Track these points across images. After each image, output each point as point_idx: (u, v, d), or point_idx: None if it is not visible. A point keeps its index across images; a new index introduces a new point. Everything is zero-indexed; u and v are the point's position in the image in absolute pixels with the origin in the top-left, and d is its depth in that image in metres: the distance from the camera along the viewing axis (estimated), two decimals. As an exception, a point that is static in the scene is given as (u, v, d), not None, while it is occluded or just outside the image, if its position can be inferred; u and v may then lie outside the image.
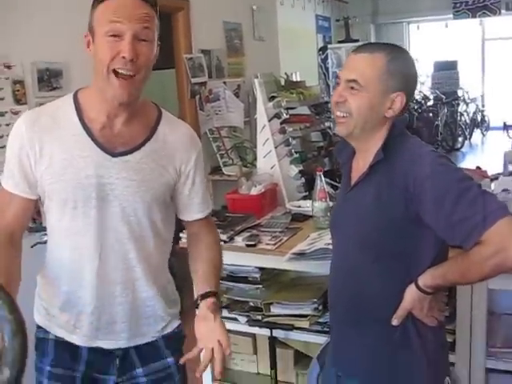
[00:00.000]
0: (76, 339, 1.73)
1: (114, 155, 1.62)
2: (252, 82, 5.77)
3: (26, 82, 3.39)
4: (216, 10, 5.32)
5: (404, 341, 1.72)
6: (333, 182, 3.49)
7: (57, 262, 1.72)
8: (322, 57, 9.98)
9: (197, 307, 1.72)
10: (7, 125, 3.23)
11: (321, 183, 2.99)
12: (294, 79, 6.88)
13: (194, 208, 1.84)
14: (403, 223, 1.65)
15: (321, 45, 10.27)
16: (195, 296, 1.75)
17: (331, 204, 3.07)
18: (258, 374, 3.25)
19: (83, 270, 1.68)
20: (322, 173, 3.02)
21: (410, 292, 1.68)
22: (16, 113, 3.28)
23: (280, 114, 3.46)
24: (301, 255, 2.61)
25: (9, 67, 3.26)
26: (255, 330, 2.99)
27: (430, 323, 1.72)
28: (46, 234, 1.79)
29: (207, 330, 1.63)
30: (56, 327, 1.75)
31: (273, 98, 5.69)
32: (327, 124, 6.31)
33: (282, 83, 6.15)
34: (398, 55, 1.71)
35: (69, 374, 1.74)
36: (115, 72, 1.51)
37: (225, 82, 5.36)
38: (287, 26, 7.75)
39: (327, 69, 9.74)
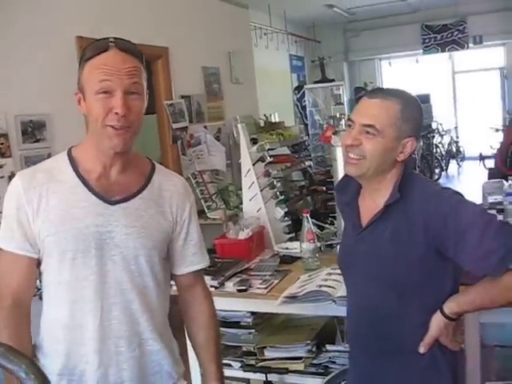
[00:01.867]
0: None
1: (111, 203, 1.62)
2: (232, 125, 5.85)
3: (10, 135, 3.39)
4: (194, 55, 5.41)
5: (432, 365, 1.78)
6: (319, 223, 3.51)
7: (55, 320, 1.65)
8: (298, 96, 10.16)
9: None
10: (-8, 179, 3.23)
11: (308, 225, 3.02)
12: (273, 120, 6.97)
13: (188, 260, 1.82)
14: (424, 260, 1.72)
15: (296, 84, 10.44)
16: (203, 372, 1.87)
17: (319, 244, 3.10)
18: (254, 421, 3.22)
19: (84, 325, 1.62)
20: (308, 214, 3.05)
21: (437, 320, 1.74)
22: (1, 166, 3.28)
23: (264, 157, 3.50)
24: (293, 298, 2.61)
25: (-7, 121, 3.28)
26: (249, 374, 2.97)
27: (454, 348, 1.79)
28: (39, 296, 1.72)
29: None
30: None
31: (253, 140, 5.78)
32: (308, 163, 6.37)
33: (262, 125, 6.22)
34: (409, 102, 1.78)
35: None
36: (110, 126, 1.55)
37: (205, 126, 5.42)
38: (262, 67, 7.88)
39: (303, 107, 9.90)
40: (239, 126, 3.50)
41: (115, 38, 1.58)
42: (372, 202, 1.83)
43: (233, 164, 5.70)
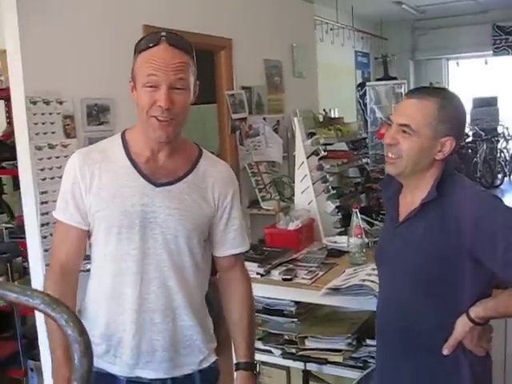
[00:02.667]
0: (117, 370, 1.76)
1: (157, 185, 1.73)
2: (291, 119, 5.90)
3: (76, 116, 3.55)
4: (257, 48, 5.47)
5: (454, 369, 1.78)
6: (368, 219, 3.54)
7: (98, 289, 1.79)
8: (361, 93, 10.10)
9: (237, 368, 1.92)
10: (57, 157, 3.38)
11: (357, 220, 3.06)
12: (333, 115, 6.98)
13: (229, 243, 1.90)
14: (454, 258, 1.73)
15: (360, 81, 10.39)
16: (234, 350, 1.97)
17: (367, 240, 3.14)
18: (292, 407, 3.29)
19: (124, 295, 1.73)
20: (358, 210, 3.09)
21: (462, 323, 1.75)
22: (65, 146, 3.44)
23: (318, 151, 3.55)
24: (336, 290, 2.67)
25: (60, 103, 3.43)
26: (289, 362, 3.03)
27: (479, 353, 1.79)
28: (89, 263, 1.85)
29: None
30: (96, 358, 1.62)
31: (311, 134, 5.81)
32: (365, 160, 6.36)
33: (321, 119, 6.24)
34: (447, 102, 1.80)
35: None
36: (154, 117, 1.64)
37: (264, 118, 5.48)
38: (326, 62, 7.88)
39: (365, 105, 9.83)
40: (295, 119, 3.56)
41: (167, 33, 1.66)
42: (411, 199, 1.86)
43: (289, 157, 5.75)
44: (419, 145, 1.76)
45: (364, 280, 2.65)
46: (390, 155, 1.81)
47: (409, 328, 1.84)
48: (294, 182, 5.31)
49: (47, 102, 3.35)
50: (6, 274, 3.88)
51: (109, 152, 1.76)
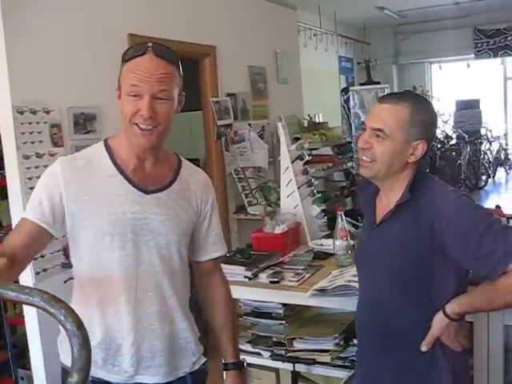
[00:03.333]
0: (115, 378, 1.77)
1: (146, 192, 1.77)
2: (276, 124, 5.95)
3: (63, 125, 3.57)
4: (241, 54, 5.53)
5: (433, 365, 1.84)
6: (354, 221, 3.59)
7: (90, 299, 1.76)
8: (345, 97, 10.19)
9: (226, 369, 2.01)
10: (45, 166, 3.35)
11: (342, 222, 3.11)
12: (317, 120, 7.04)
13: (210, 248, 1.99)
14: (428, 258, 1.79)
15: (344, 85, 10.48)
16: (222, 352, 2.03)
17: (352, 242, 3.19)
18: (281, 408, 3.33)
19: (120, 303, 1.74)
20: (342, 212, 3.14)
21: (439, 319, 1.80)
22: (53, 155, 3.46)
23: (303, 155, 3.61)
24: (322, 292, 2.72)
25: (47, 112, 3.46)
26: (278, 364, 3.08)
27: (456, 349, 1.84)
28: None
29: None
30: (94, 368, 1.72)
31: (296, 139, 5.86)
32: (350, 164, 6.43)
33: (305, 125, 6.31)
34: (419, 106, 1.85)
35: None
36: (137, 124, 1.68)
37: (250, 124, 5.53)
38: (310, 67, 7.95)
39: (349, 109, 9.93)
40: (279, 124, 3.62)
41: (154, 44, 1.70)
42: (386, 202, 1.92)
43: (275, 162, 5.79)
44: (392, 148, 1.81)
45: (349, 281, 2.70)
46: (364, 158, 1.86)
47: (387, 326, 1.90)
48: (279, 187, 5.39)
49: (34, 112, 3.38)
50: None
51: (93, 160, 1.77)
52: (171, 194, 1.82)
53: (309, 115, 6.51)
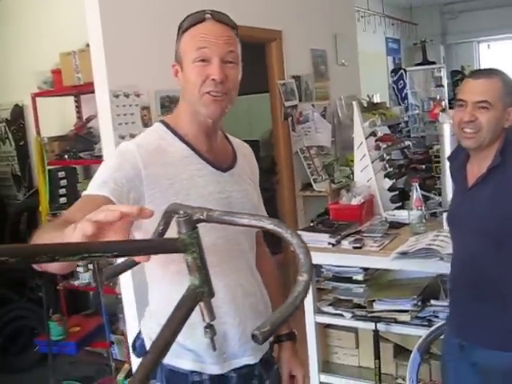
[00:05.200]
0: (227, 365, 1.69)
1: (223, 170, 1.71)
2: (337, 105, 6.18)
3: (151, 108, 3.88)
4: (304, 38, 5.74)
5: None
6: (424, 193, 3.79)
7: (181, 290, 1.61)
8: (395, 78, 10.30)
9: (280, 340, 1.95)
10: (138, 145, 3.72)
11: (416, 193, 3.32)
12: (375, 101, 7.22)
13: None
14: None
15: (391, 66, 10.56)
16: None
17: (425, 212, 3.41)
18: (360, 367, 3.57)
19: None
20: (417, 184, 3.36)
21: None
22: (144, 135, 3.77)
23: (375, 132, 3.82)
24: (404, 254, 2.95)
25: (138, 95, 3.76)
26: (359, 324, 3.32)
27: None
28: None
29: (294, 366, 1.94)
30: (209, 365, 1.67)
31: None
32: (407, 143, 6.58)
33: (365, 105, 6.49)
34: (505, 77, 2.11)
35: None
36: (207, 93, 1.58)
37: (313, 105, 5.76)
38: (359, 49, 8.10)
39: (400, 90, 10.05)
40: (354, 103, 3.83)
41: (212, 11, 1.62)
42: (477, 168, 2.15)
43: (336, 141, 6.03)
44: (495, 116, 2.06)
45: (430, 244, 2.93)
46: (467, 131, 2.09)
47: (480, 278, 2.13)
48: (343, 166, 5.63)
49: (127, 95, 3.68)
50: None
51: (162, 144, 1.64)
52: (240, 169, 1.78)
53: (368, 95, 6.69)
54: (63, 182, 4.57)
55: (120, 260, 1.14)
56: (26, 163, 5.50)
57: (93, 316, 4.58)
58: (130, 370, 4.04)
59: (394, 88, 10.30)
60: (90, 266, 4.43)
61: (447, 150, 3.49)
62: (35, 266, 1.05)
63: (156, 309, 1.71)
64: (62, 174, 4.56)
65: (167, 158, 1.61)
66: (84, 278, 4.47)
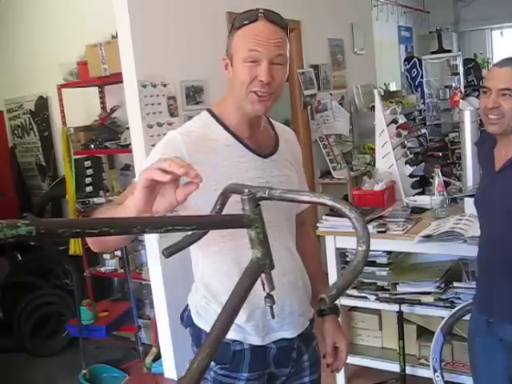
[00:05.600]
0: (267, 338, 1.79)
1: (264, 157, 1.79)
2: (354, 93, 6.26)
3: (177, 97, 3.97)
4: (322, 28, 5.81)
5: None
6: (445, 179, 3.87)
7: (225, 270, 1.75)
8: (408, 67, 10.31)
9: (323, 314, 2.00)
10: (164, 134, 3.80)
11: (439, 178, 3.41)
12: (391, 89, 7.30)
13: None
14: None
15: (403, 55, 10.57)
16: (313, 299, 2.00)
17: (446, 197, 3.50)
18: (383, 348, 3.68)
19: None
20: (439, 169, 3.45)
21: None
22: (170, 124, 3.87)
23: (396, 119, 3.90)
24: (428, 237, 3.04)
25: (164, 85, 3.85)
26: (383, 306, 3.42)
27: None
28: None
29: (337, 338, 1.99)
30: (250, 336, 1.77)
31: (373, 107, 6.15)
32: (423, 131, 6.67)
33: (382, 93, 6.57)
34: None
35: (261, 381, 1.82)
36: (254, 92, 1.66)
37: (331, 94, 5.84)
38: (374, 38, 8.14)
39: (413, 78, 10.06)
40: (375, 91, 3.91)
41: (264, 10, 1.66)
42: (505, 152, 2.23)
43: (353, 129, 6.11)
44: None
45: (453, 227, 3.01)
46: (492, 117, 2.17)
47: (507, 257, 2.22)
48: (360, 154, 5.71)
49: (154, 85, 3.77)
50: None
51: (207, 132, 1.74)
52: (281, 155, 1.84)
53: (385, 84, 6.76)
54: (89, 171, 4.68)
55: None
56: (50, 153, 5.62)
57: (119, 301, 4.70)
58: (158, 353, 4.16)
59: (407, 76, 10.31)
60: (117, 253, 4.54)
61: (468, 137, 3.58)
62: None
63: (201, 284, 1.82)
64: (87, 163, 4.67)
65: (211, 146, 1.69)
66: (111, 264, 4.59)
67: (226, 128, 1.75)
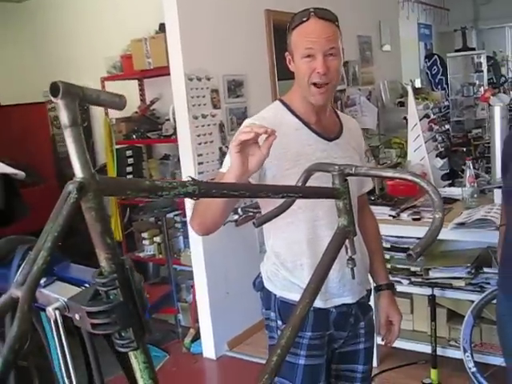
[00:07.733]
0: (329, 302, 1.95)
1: (329, 140, 1.98)
2: (381, 89, 6.44)
3: (220, 90, 4.17)
4: (352, 25, 5.98)
5: None
6: (476, 171, 4.04)
7: (295, 240, 1.94)
8: (428, 64, 10.46)
9: (380, 289, 2.19)
10: (208, 125, 4.04)
11: (470, 170, 3.60)
12: (416, 86, 7.46)
13: (365, 182, 2.18)
14: None
15: (423, 52, 10.69)
16: (373, 276, 2.21)
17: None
18: (414, 331, 3.87)
19: (322, 238, 1.89)
20: (471, 162, 3.63)
21: None
22: (214, 115, 4.08)
23: (429, 114, 4.09)
24: (462, 225, 3.23)
25: (208, 79, 4.06)
26: (416, 289, 3.61)
27: None
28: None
29: (391, 312, 2.17)
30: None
31: (400, 103, 6.34)
32: (447, 126, 6.82)
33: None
34: None
35: (322, 341, 1.97)
36: (314, 83, 1.86)
37: (359, 89, 6.02)
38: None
39: (433, 75, 10.20)
40: (408, 87, 4.10)
41: (314, 8, 1.86)
42: None
43: (380, 124, 6.29)
44: None
45: (485, 215, 3.20)
46: None
47: None
48: (387, 148, 5.89)
49: (199, 79, 3.98)
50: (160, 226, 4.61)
51: (279, 118, 1.94)
52: (345, 139, 2.02)
53: (411, 80, 6.92)
54: (130, 161, 4.91)
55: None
56: (89, 143, 5.84)
57: (157, 285, 4.92)
58: (196, 334, 4.37)
59: (427, 73, 10.44)
60: (156, 239, 4.77)
61: (497, 132, 3.77)
62: None
63: (271, 253, 2.02)
64: (129, 152, 4.90)
65: (282, 130, 1.82)
66: (149, 250, 4.81)
67: (295, 115, 1.97)
